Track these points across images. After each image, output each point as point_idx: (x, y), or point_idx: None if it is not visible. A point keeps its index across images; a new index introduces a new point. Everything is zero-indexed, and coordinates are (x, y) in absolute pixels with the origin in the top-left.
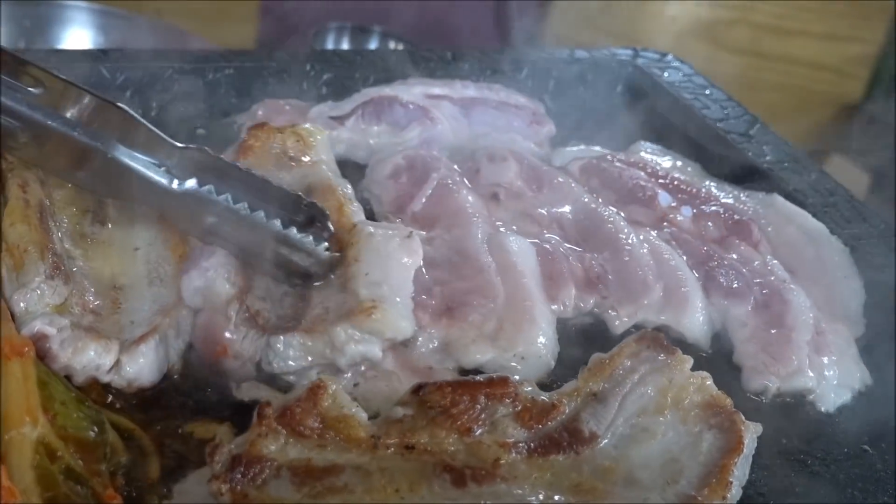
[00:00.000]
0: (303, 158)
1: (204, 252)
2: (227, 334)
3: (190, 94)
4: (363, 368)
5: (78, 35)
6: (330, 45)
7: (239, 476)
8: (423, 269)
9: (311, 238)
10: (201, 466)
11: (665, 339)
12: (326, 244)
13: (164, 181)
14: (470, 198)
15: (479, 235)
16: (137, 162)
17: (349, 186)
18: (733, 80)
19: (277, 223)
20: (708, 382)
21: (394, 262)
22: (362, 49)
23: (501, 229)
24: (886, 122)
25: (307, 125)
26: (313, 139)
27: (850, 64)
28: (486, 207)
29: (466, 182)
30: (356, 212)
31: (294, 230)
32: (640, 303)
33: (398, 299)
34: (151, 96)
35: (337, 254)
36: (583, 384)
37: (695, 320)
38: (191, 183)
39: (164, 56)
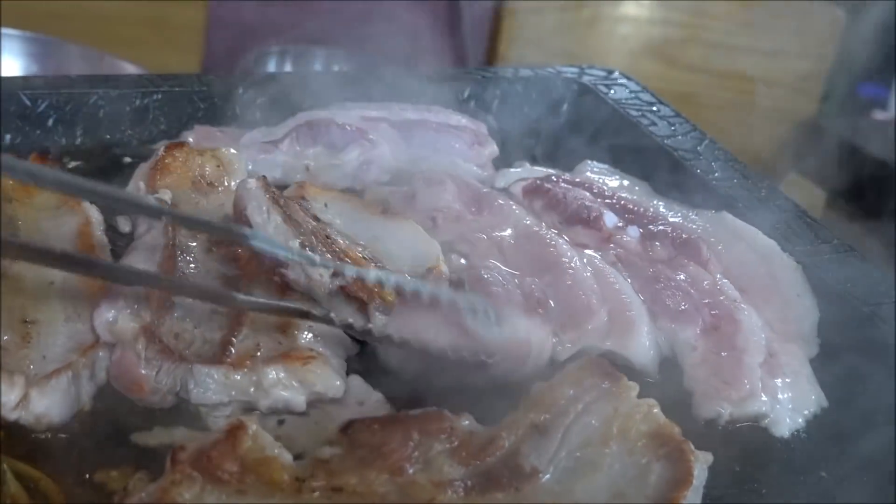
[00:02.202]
0: (222, 184)
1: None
2: (141, 371)
3: (116, 120)
4: None
5: (9, 63)
6: (272, 69)
7: None
8: None
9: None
10: None
11: (609, 366)
12: None
13: None
14: None
15: None
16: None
17: None
18: (686, 99)
19: None
20: (655, 410)
21: None
22: (297, 72)
23: None
24: (840, 138)
25: (229, 149)
26: (233, 165)
27: (801, 80)
28: None
29: None
30: None
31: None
32: (583, 328)
33: (336, 356)
34: (76, 123)
35: None
36: (523, 416)
37: (641, 345)
38: None
39: (88, 81)
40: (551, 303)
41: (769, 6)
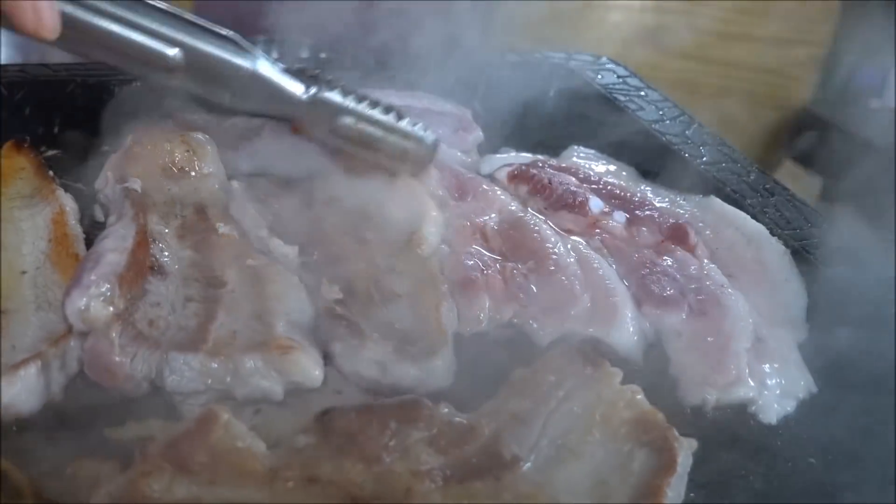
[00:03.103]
0: (192, 170)
1: (86, 268)
2: (115, 358)
3: (95, 109)
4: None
5: None
6: None
7: None
8: None
9: (419, 126)
10: None
11: (591, 352)
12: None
13: (299, 91)
14: None
15: None
16: (276, 75)
17: None
18: (680, 86)
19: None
20: (639, 397)
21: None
22: (278, 59)
23: None
24: (836, 124)
25: (197, 135)
26: (204, 149)
27: (797, 67)
28: None
29: None
30: None
31: (406, 121)
32: (566, 313)
33: (314, 345)
34: (53, 111)
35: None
36: (503, 403)
37: (625, 331)
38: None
39: (66, 69)
40: (533, 287)
41: None
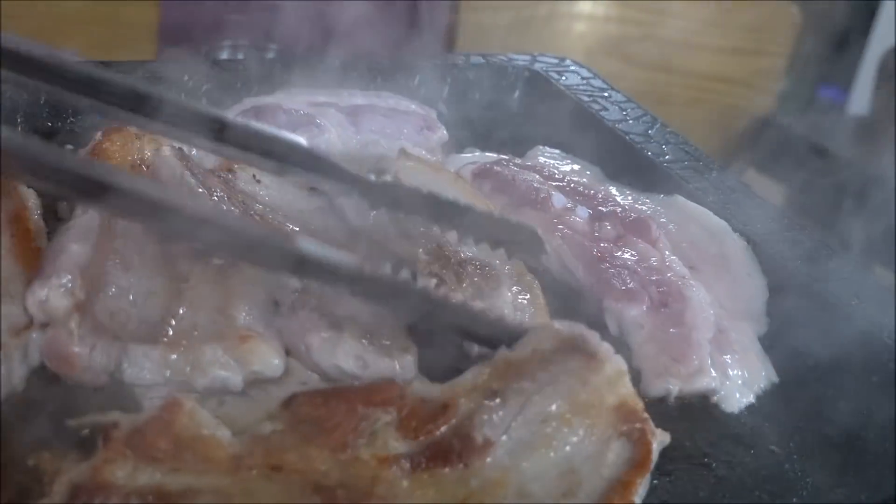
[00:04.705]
0: None
1: (49, 258)
2: (74, 348)
3: (58, 108)
4: None
5: None
6: None
7: None
8: None
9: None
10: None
11: (581, 339)
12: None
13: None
14: None
15: None
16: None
17: None
18: (645, 96)
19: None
20: (623, 379)
21: None
22: (243, 59)
23: None
24: (799, 133)
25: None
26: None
27: (759, 77)
28: None
29: None
30: None
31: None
32: None
33: (276, 335)
34: (16, 111)
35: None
36: (481, 382)
37: None
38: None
39: None
40: None
41: (725, 4)
